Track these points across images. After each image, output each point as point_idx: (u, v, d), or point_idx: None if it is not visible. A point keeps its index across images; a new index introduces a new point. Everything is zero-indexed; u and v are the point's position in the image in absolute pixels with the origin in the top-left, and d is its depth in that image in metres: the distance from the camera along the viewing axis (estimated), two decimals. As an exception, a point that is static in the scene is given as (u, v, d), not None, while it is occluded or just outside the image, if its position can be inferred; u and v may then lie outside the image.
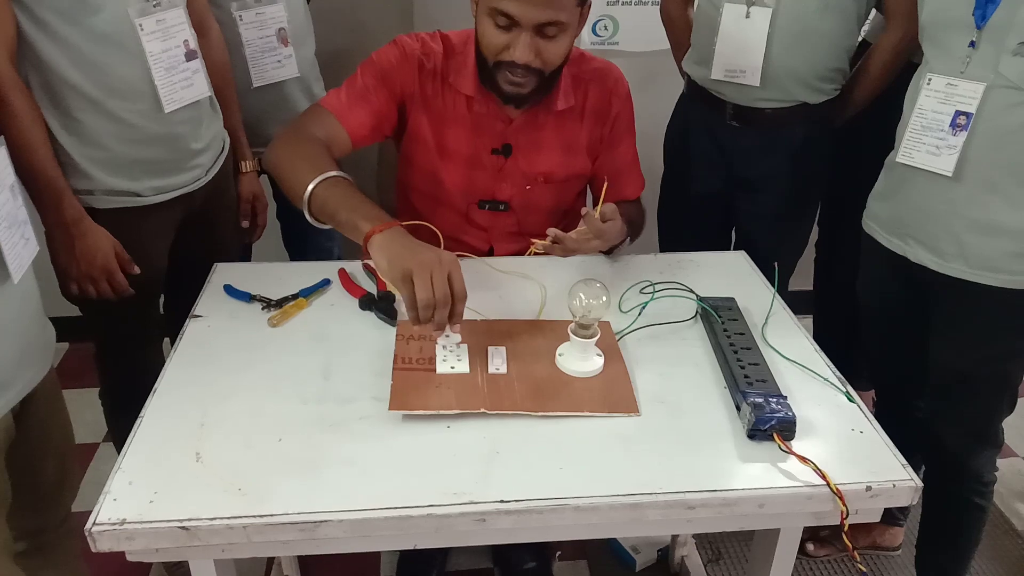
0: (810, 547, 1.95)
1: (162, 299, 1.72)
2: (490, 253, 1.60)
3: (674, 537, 1.88)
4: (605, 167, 1.56)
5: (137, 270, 1.52)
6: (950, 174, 1.36)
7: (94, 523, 0.94)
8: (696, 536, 1.92)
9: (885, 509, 1.12)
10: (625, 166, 1.58)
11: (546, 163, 1.51)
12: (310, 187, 1.24)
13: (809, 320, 2.34)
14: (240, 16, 1.75)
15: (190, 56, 1.51)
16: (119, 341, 1.66)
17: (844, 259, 2.21)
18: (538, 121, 1.49)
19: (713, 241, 1.93)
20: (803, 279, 2.27)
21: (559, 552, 1.94)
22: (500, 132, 1.48)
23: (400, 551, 1.87)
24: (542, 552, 1.89)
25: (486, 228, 1.58)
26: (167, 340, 1.67)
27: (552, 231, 1.32)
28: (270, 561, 1.81)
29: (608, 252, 1.48)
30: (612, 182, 1.53)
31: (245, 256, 1.97)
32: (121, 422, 1.40)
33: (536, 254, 1.41)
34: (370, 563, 1.90)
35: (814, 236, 2.19)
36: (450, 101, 1.47)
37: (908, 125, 1.43)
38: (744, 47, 1.66)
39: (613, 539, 1.95)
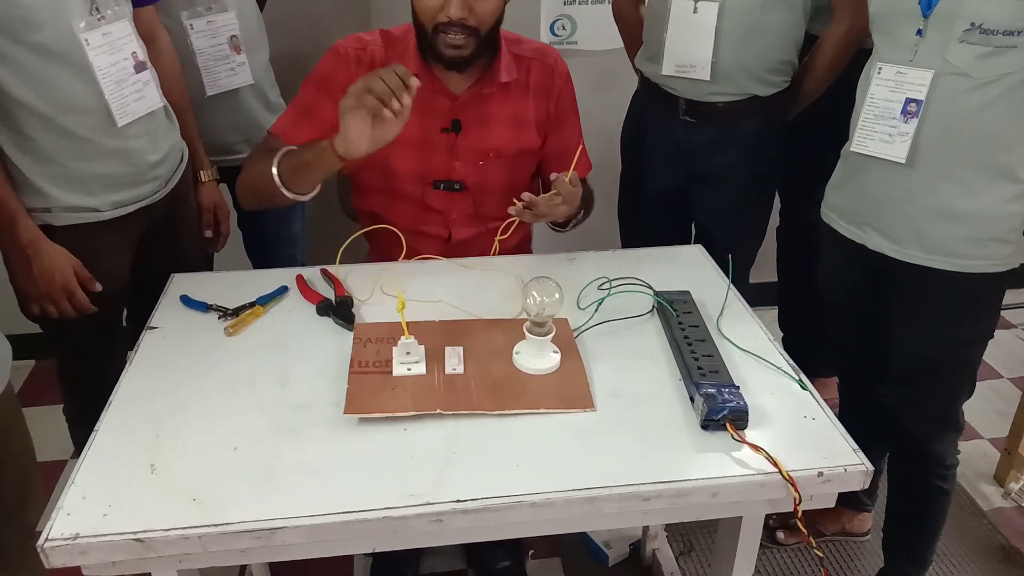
0: (780, 535, 1.96)
1: (125, 312, 1.70)
2: (449, 239, 1.60)
3: (645, 531, 1.89)
4: (554, 147, 1.61)
5: (98, 287, 1.51)
6: (903, 161, 1.39)
7: (47, 539, 0.94)
8: (667, 529, 1.94)
9: (852, 495, 1.14)
10: (572, 146, 1.60)
11: (496, 137, 1.54)
12: (274, 172, 1.38)
13: (769, 312, 2.36)
14: (191, 25, 1.75)
15: (139, 68, 1.49)
16: (82, 357, 1.65)
17: (804, 248, 2.24)
18: (483, 94, 1.51)
19: (674, 236, 1.94)
20: (767, 271, 2.30)
21: (532, 550, 1.95)
22: (447, 109, 1.51)
23: (373, 555, 1.87)
24: (515, 551, 1.89)
25: (443, 211, 1.59)
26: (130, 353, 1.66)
27: (526, 195, 1.37)
28: (242, 570, 1.80)
29: (564, 225, 1.54)
30: (560, 162, 1.59)
31: (207, 266, 1.96)
32: (86, 437, 1.39)
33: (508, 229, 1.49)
34: (343, 567, 1.90)
35: (774, 225, 2.21)
36: None
37: (861, 114, 1.45)
38: (693, 42, 1.68)
39: (585, 535, 1.96)
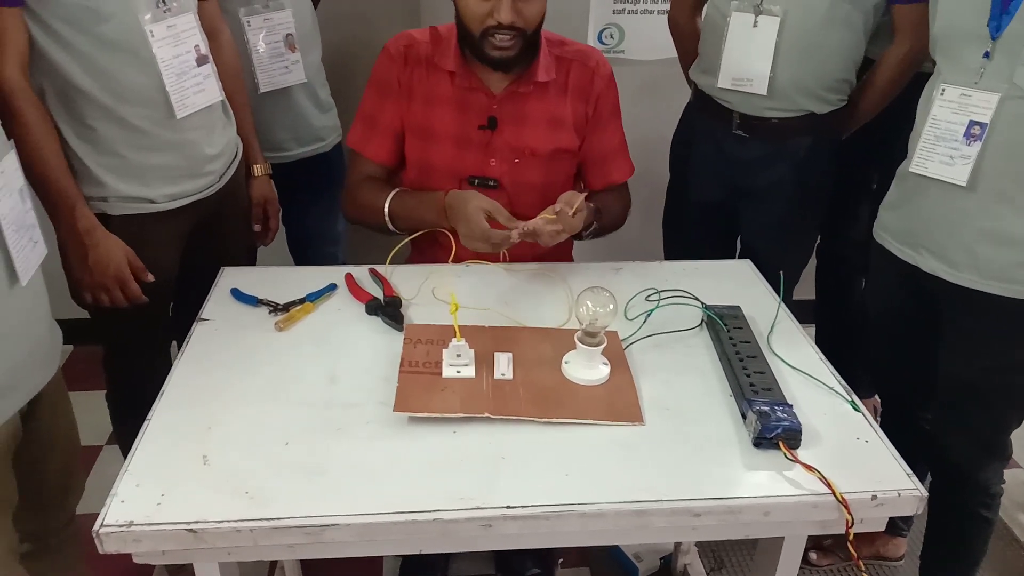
0: (813, 556, 1.94)
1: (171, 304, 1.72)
2: None
3: (677, 545, 1.88)
4: (593, 149, 1.62)
5: (151, 278, 1.52)
6: (964, 184, 1.36)
7: (102, 524, 0.94)
8: (699, 544, 1.92)
9: (888, 519, 1.12)
10: (612, 149, 1.64)
11: (532, 136, 1.55)
12: (385, 212, 1.54)
13: (810, 329, 2.34)
14: (248, 22, 1.76)
15: (201, 61, 1.51)
16: (128, 346, 1.66)
17: (844, 267, 2.22)
18: (520, 93, 1.53)
19: (718, 250, 1.93)
20: (808, 288, 2.27)
21: (562, 559, 1.94)
22: (485, 106, 1.53)
23: (402, 556, 1.87)
24: (545, 559, 1.88)
25: None
26: (175, 343, 1.67)
27: (529, 224, 1.38)
28: (273, 564, 1.81)
29: (577, 237, 1.55)
30: (600, 165, 1.63)
31: (251, 261, 1.97)
32: (127, 425, 1.40)
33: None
34: (373, 567, 1.90)
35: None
36: (435, 82, 1.54)
37: (921, 135, 1.43)
38: (751, 56, 1.67)
39: (615, 546, 1.94)
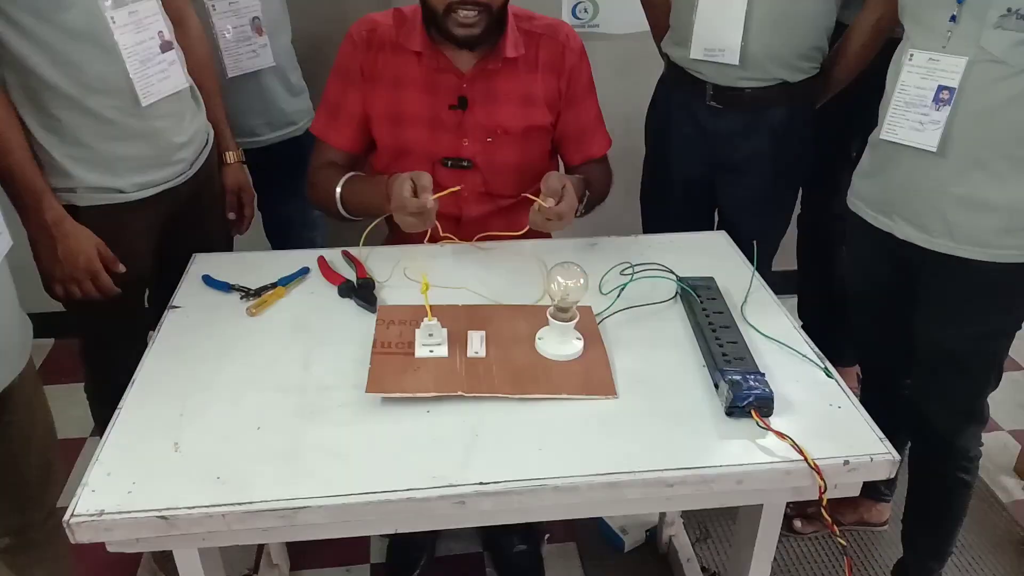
0: (797, 524, 1.96)
1: (147, 293, 1.71)
2: (460, 218, 1.59)
3: (662, 517, 1.89)
4: (569, 125, 1.60)
5: (122, 269, 1.50)
6: (934, 149, 1.36)
7: (72, 514, 0.94)
8: (684, 515, 1.93)
9: (871, 485, 1.13)
10: (589, 124, 1.62)
11: (504, 114, 1.54)
12: (337, 195, 1.52)
13: (788, 300, 2.35)
14: (213, 6, 1.74)
15: (165, 47, 1.49)
16: (104, 337, 1.65)
17: (825, 237, 2.23)
18: (489, 70, 1.51)
19: (697, 223, 1.92)
20: (788, 258, 2.28)
21: (548, 535, 1.95)
22: (454, 86, 1.51)
23: (390, 536, 1.88)
24: (531, 535, 1.90)
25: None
26: (152, 332, 1.66)
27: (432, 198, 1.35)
28: (260, 548, 1.81)
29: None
30: (577, 141, 1.60)
31: (228, 248, 1.96)
32: (108, 416, 1.40)
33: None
34: (359, 549, 1.91)
35: (795, 213, 2.19)
36: (402, 65, 1.52)
37: (891, 101, 1.43)
38: (723, 26, 1.65)
39: (601, 520, 1.96)
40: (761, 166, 1.80)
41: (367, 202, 1.49)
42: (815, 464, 1.01)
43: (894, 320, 1.61)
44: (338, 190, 1.51)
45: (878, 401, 1.73)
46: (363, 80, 1.53)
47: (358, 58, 1.52)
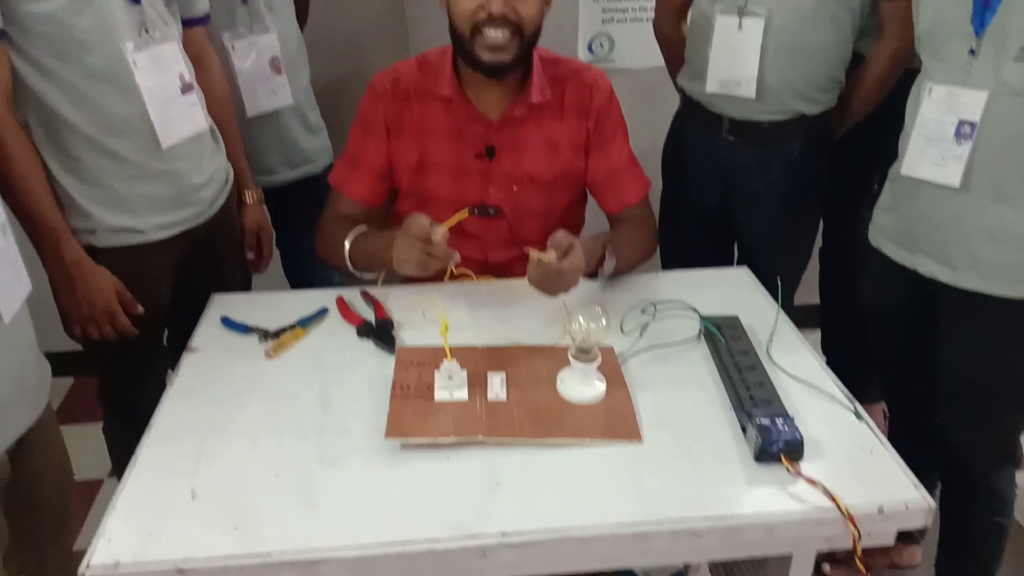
0: (826, 568, 1.90)
1: (166, 332, 1.70)
2: (486, 263, 1.58)
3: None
4: (599, 169, 1.55)
5: (140, 310, 1.50)
6: (957, 186, 1.34)
7: (88, 566, 0.92)
8: (709, 560, 1.88)
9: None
10: (621, 167, 1.56)
11: (531, 163, 1.51)
12: (346, 250, 1.47)
13: (810, 334, 2.31)
14: (233, 46, 1.76)
15: (186, 89, 1.50)
16: (122, 377, 1.65)
17: (848, 269, 2.19)
18: (516, 118, 1.48)
19: (716, 256, 1.91)
20: (810, 292, 2.24)
21: (570, 578, 1.91)
22: (482, 135, 1.49)
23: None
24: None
25: (479, 236, 1.57)
26: (171, 372, 1.66)
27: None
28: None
29: (593, 275, 1.43)
30: (610, 185, 1.55)
31: (247, 287, 1.96)
32: (125, 459, 1.39)
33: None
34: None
35: (816, 246, 2.16)
36: (428, 112, 1.49)
37: (911, 136, 1.41)
38: (738, 59, 1.65)
39: (624, 563, 1.91)
40: (778, 198, 1.78)
41: (377, 257, 1.43)
42: (848, 512, 0.98)
43: (918, 354, 1.57)
44: (347, 245, 1.47)
45: (906, 439, 1.69)
46: (386, 130, 1.51)
47: (381, 109, 1.50)
